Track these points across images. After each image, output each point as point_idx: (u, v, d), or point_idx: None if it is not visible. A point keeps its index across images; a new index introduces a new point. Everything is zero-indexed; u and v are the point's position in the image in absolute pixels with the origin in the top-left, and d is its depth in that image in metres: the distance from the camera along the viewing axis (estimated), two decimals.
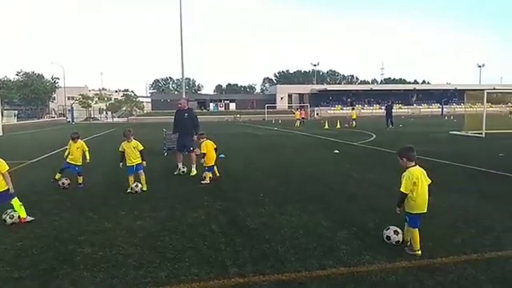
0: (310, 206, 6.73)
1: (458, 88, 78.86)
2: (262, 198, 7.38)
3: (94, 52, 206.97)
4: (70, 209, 6.71)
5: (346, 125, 33.70)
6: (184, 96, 69.79)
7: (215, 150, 9.41)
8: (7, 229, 5.55)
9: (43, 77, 75.59)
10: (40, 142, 20.88)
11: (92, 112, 71.57)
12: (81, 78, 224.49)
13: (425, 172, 4.68)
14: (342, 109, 73.58)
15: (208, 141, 9.42)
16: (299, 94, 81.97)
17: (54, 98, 79.40)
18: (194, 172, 10.09)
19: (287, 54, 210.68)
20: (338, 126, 32.55)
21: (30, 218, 5.86)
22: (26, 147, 16.25)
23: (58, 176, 8.58)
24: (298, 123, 37.46)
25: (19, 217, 5.81)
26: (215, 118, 59.16)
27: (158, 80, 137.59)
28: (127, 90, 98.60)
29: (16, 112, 61.06)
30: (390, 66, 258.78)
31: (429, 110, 77.35)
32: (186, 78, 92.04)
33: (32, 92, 70.69)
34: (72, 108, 60.71)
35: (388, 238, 4.80)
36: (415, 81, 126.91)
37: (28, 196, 7.03)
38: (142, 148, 8.16)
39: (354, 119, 34.07)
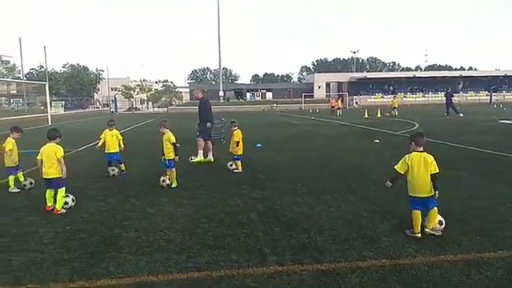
0: (350, 196, 6.61)
1: (508, 74, 74.05)
2: (300, 187, 7.34)
3: (136, 44, 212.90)
4: (115, 195, 6.98)
5: (387, 113, 32.66)
6: (221, 86, 70.45)
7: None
8: (59, 214, 5.86)
9: (88, 69, 78.78)
10: (85, 131, 21.86)
11: (134, 102, 73.94)
12: (123, 69, 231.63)
13: (429, 160, 4.68)
14: (382, 97, 71.37)
15: (239, 130, 9.29)
16: (337, 82, 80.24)
17: (99, 89, 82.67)
18: (194, 159, 10.23)
19: (325, 42, 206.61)
20: (379, 114, 31.63)
21: (64, 211, 5.97)
22: (72, 136, 17.06)
23: (110, 169, 8.75)
24: (339, 112, 36.91)
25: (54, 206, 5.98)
26: (252, 108, 59.32)
27: (195, 70, 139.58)
28: (167, 81, 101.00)
29: (63, 103, 64.31)
30: (435, 52, 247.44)
31: (476, 97, 73.32)
32: (223, 68, 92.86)
33: (78, 83, 73.93)
34: (115, 99, 63.00)
35: (440, 222, 4.79)
36: (461, 67, 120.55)
37: (74, 183, 7.40)
38: (174, 141, 7.66)
39: (395, 108, 32.95)
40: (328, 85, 79.88)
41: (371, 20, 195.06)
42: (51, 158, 6.00)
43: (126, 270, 3.90)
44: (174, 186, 7.52)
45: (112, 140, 8.88)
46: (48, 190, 6.09)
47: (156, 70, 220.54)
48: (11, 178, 7.52)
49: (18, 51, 37.91)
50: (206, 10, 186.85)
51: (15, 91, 46.53)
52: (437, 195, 4.68)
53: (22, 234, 4.99)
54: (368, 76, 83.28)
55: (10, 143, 7.59)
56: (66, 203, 6.03)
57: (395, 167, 4.86)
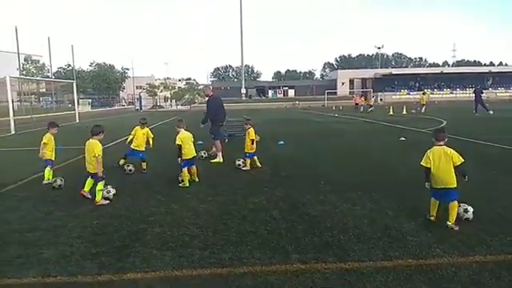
0: (374, 194, 6.50)
1: None
2: (323, 185, 7.28)
3: (160, 43, 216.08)
4: (141, 191, 7.12)
5: (414, 110, 31.92)
6: (243, 83, 70.57)
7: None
8: (87, 209, 6.03)
9: (114, 67, 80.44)
10: (111, 128, 22.38)
11: (158, 100, 75.09)
12: (148, 67, 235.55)
13: (449, 152, 4.92)
14: (408, 94, 69.84)
15: (252, 128, 9.26)
16: (361, 78, 79.12)
17: (124, 88, 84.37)
18: (213, 160, 10.10)
19: (349, 38, 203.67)
20: (405, 111, 30.96)
21: (104, 202, 6.26)
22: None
23: (121, 162, 9.03)
24: (370, 109, 36.69)
25: (95, 198, 6.28)
26: (274, 105, 59.23)
27: (218, 68, 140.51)
28: (190, 79, 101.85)
29: (90, 101, 65.98)
30: (463, 47, 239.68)
31: (506, 94, 70.74)
32: (245, 66, 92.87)
33: (104, 82, 75.63)
34: (140, 97, 64.17)
35: (466, 210, 5.01)
36: (491, 63, 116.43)
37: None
38: (180, 143, 7.53)
39: (423, 105, 32.18)
40: (352, 81, 78.87)
41: (397, 14, 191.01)
42: (90, 154, 6.30)
43: (151, 265, 3.97)
44: (186, 184, 7.36)
45: (142, 138, 9.04)
46: (90, 178, 6.45)
47: (179, 68, 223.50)
48: (47, 170, 7.76)
49: (46, 50, 39.16)
50: (229, 8, 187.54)
51: (44, 89, 48.04)
52: (466, 179, 4.99)
53: (51, 228, 5.15)
54: (393, 72, 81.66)
55: (46, 137, 7.87)
56: (108, 192, 6.36)
57: (421, 163, 5.13)
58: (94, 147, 6.27)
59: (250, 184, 7.53)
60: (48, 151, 7.85)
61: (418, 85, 74.45)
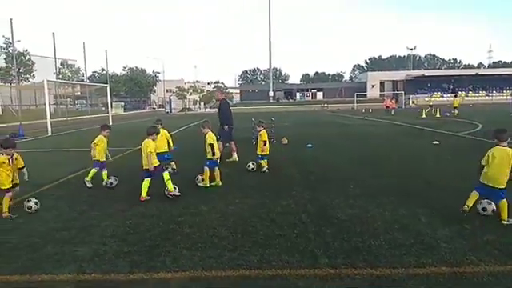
0: (406, 199, 6.33)
1: None
2: (353, 189, 7.16)
3: (189, 47, 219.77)
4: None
5: (447, 113, 30.92)
6: (271, 86, 70.58)
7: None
8: (119, 209, 6.20)
9: (145, 71, 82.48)
10: (142, 130, 22.99)
11: (187, 103, 76.37)
12: (177, 71, 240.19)
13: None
14: (441, 96, 67.67)
15: (264, 130, 9.22)
16: (392, 81, 77.34)
17: (155, 91, 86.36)
18: (230, 159, 10.18)
19: (380, 39, 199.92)
20: (438, 114, 30.04)
21: (177, 193, 6.66)
22: (131, 135, 17.98)
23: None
24: (392, 111, 36.11)
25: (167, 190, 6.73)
26: (302, 108, 58.89)
27: (246, 71, 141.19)
28: (218, 82, 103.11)
29: (123, 103, 67.89)
30: (500, 49, 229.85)
31: None
32: (273, 68, 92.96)
33: (136, 85, 77.67)
34: (170, 99, 65.46)
35: (484, 209, 5.23)
36: None
37: (133, 180, 7.76)
38: (211, 142, 7.65)
39: (455, 107, 31.13)
40: (382, 83, 77.24)
41: (430, 15, 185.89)
42: (144, 151, 6.78)
43: (181, 265, 4.03)
44: (206, 185, 7.48)
45: (160, 140, 8.95)
46: (145, 180, 6.74)
47: (208, 72, 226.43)
48: (93, 171, 7.86)
49: (81, 55, 40.70)
50: (258, 10, 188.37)
51: (79, 93, 49.87)
52: None
53: (85, 227, 5.33)
54: (426, 74, 79.44)
55: (97, 139, 7.96)
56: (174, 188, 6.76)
57: (481, 162, 5.33)
58: (148, 145, 6.76)
59: (278, 187, 7.51)
60: (98, 152, 7.98)
61: (451, 87, 72.02)
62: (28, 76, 42.14)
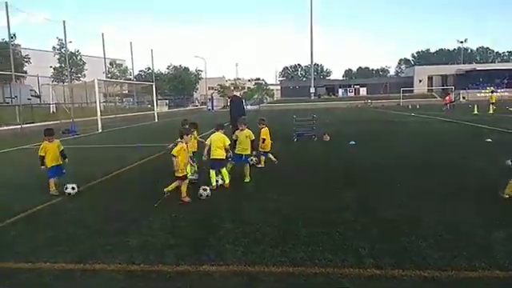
0: (457, 199, 6.05)
1: None
2: (399, 188, 6.94)
3: (231, 44, 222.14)
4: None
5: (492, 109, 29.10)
6: (312, 82, 69.80)
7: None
8: (166, 202, 6.41)
9: (189, 69, 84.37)
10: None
11: (228, 100, 77.27)
12: (219, 69, 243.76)
13: None
14: (493, 91, 63.71)
15: (266, 128, 9.44)
16: (441, 75, 73.89)
17: (197, 89, 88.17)
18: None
19: (427, 32, 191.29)
20: (491, 111, 28.36)
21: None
22: (175, 132, 18.54)
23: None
24: (446, 107, 34.70)
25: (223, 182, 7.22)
26: (344, 104, 57.78)
27: (286, 67, 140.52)
28: (258, 79, 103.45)
29: (167, 101, 69.91)
30: None
31: None
32: (314, 64, 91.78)
33: (180, 83, 79.65)
34: (212, 97, 66.61)
35: None
36: None
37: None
38: (253, 139, 7.85)
39: (492, 103, 29.49)
40: (430, 78, 74.00)
41: (482, 5, 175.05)
42: (220, 143, 7.15)
43: (224, 259, 4.10)
44: (247, 180, 7.62)
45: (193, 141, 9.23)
46: (212, 171, 7.20)
47: (249, 69, 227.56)
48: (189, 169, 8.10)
49: (129, 55, 42.45)
50: (299, 5, 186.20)
51: (127, 91, 51.99)
52: None
53: (135, 219, 5.56)
54: (478, 68, 75.08)
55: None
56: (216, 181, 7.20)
57: None
58: (225, 140, 7.21)
59: (319, 184, 7.43)
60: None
61: (506, 81, 67.60)
62: (79, 75, 44.51)
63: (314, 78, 76.40)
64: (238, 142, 7.80)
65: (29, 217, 5.79)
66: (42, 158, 6.93)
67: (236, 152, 7.75)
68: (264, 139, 9.19)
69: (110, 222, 5.45)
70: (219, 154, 7.20)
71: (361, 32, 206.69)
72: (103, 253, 4.35)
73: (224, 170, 7.30)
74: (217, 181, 7.24)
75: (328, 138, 14.25)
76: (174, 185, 6.49)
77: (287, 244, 4.48)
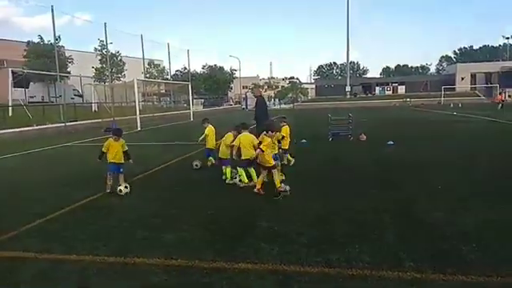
0: (503, 203, 5.75)
1: None
2: (440, 190, 6.69)
3: (265, 44, 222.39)
4: (251, 186, 7.44)
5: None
6: (348, 81, 68.62)
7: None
8: (203, 199, 6.53)
9: (224, 69, 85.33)
10: (220, 126, 23.87)
11: (255, 100, 77.39)
12: (253, 68, 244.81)
13: None
14: None
15: (287, 126, 9.42)
16: (485, 73, 70.34)
17: (232, 88, 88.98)
18: None
19: (470, 28, 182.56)
20: None
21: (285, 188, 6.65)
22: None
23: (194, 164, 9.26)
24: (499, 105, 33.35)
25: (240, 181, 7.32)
26: (382, 103, 56.34)
27: (321, 66, 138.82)
28: (293, 78, 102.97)
29: (202, 100, 71.05)
30: None
31: None
32: (350, 62, 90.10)
33: (214, 83, 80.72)
34: (246, 96, 66.96)
35: None
36: None
37: (215, 173, 8.09)
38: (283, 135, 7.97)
39: (500, 102, 27.92)
40: (473, 76, 70.64)
41: None
42: (248, 144, 7.16)
43: (260, 257, 4.12)
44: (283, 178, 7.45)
45: (212, 136, 9.28)
46: (240, 168, 7.35)
47: (283, 68, 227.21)
48: (228, 170, 7.88)
49: (166, 55, 43.42)
50: (334, 2, 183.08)
51: (164, 91, 53.27)
52: None
53: (172, 215, 5.70)
54: None
55: (229, 137, 8.10)
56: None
57: None
58: (253, 140, 7.25)
59: (356, 185, 7.29)
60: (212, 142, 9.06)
61: None
62: (119, 75, 46.05)
63: (350, 77, 74.96)
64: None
65: (73, 211, 6.07)
66: (104, 153, 7.20)
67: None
68: (283, 136, 9.19)
69: (149, 218, 5.61)
70: (251, 154, 7.22)
71: (400, 28, 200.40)
72: (142, 247, 4.49)
73: (252, 170, 7.36)
74: (234, 178, 7.46)
75: (365, 137, 13.95)
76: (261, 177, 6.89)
77: (323, 244, 4.43)
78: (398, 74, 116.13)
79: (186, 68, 70.15)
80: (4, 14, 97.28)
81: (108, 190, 6.97)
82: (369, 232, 4.80)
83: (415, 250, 4.22)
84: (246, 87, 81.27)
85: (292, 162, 9.26)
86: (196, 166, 9.13)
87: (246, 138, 7.32)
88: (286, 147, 9.32)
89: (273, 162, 6.83)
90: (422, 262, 3.90)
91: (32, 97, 37.58)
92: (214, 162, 9.09)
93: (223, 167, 7.88)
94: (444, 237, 4.55)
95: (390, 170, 8.60)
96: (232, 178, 7.69)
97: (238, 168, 7.43)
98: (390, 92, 75.10)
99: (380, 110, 40.36)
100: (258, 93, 11.99)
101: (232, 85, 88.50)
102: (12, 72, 27.72)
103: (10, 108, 24.94)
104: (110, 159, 7.15)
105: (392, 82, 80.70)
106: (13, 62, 38.88)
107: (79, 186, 7.70)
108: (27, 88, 36.78)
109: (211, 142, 9.28)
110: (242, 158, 7.28)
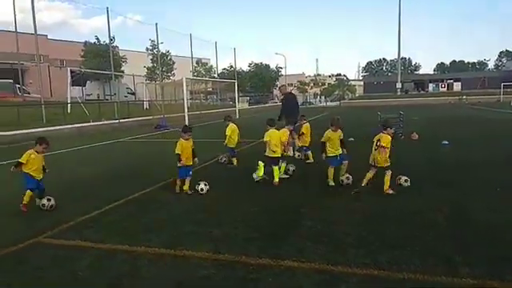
0: None
1: None
2: (499, 192, 6.26)
3: (311, 40, 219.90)
4: (292, 183, 7.41)
5: None
6: (399, 77, 66.20)
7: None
8: (247, 196, 6.59)
9: (269, 66, 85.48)
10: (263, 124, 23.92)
11: (307, 97, 76.75)
12: (299, 65, 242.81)
13: None
14: None
15: (307, 124, 9.81)
16: None
17: (277, 85, 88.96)
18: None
19: None
20: None
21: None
22: (255, 128, 18.90)
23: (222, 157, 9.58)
24: None
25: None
26: (435, 100, 53.70)
27: (370, 62, 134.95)
28: (339, 75, 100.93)
29: (248, 98, 71.68)
30: None
31: None
32: (402, 58, 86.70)
33: (260, 80, 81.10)
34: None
35: None
36: None
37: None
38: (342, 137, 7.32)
39: None
40: None
41: None
42: (277, 140, 7.34)
43: (305, 256, 4.08)
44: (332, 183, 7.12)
45: (234, 135, 9.37)
46: (261, 163, 7.41)
47: (330, 65, 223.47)
48: (276, 168, 7.91)
49: (213, 53, 44.42)
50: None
51: (210, 89, 54.36)
52: None
53: (218, 211, 5.80)
54: None
55: (284, 133, 8.14)
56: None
57: None
58: (282, 135, 7.45)
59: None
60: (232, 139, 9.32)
61: None
62: (169, 74, 47.59)
63: (401, 73, 72.20)
64: (329, 144, 7.12)
65: (126, 203, 6.37)
66: (179, 155, 6.77)
67: (328, 155, 7.14)
68: (303, 133, 9.57)
69: (197, 212, 5.75)
70: (277, 152, 7.32)
71: (455, 22, 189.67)
72: (191, 240, 4.61)
73: (276, 168, 7.30)
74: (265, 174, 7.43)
75: (417, 136, 13.38)
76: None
77: (371, 245, 4.31)
78: (453, 70, 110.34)
79: (232, 66, 71.04)
80: (64, 16, 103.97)
81: (178, 191, 6.79)
82: (421, 233, 4.61)
83: (471, 253, 3.99)
84: (292, 84, 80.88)
85: (310, 160, 9.39)
86: (223, 160, 9.53)
87: (274, 136, 7.38)
88: (307, 144, 9.64)
89: (388, 162, 6.53)
90: (479, 267, 3.68)
91: (88, 95, 39.88)
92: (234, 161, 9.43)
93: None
94: (501, 240, 4.29)
95: (444, 170, 8.19)
96: (285, 172, 7.81)
97: (261, 162, 7.42)
98: (445, 89, 71.56)
99: (433, 107, 38.47)
100: (284, 91, 12.48)
101: (277, 82, 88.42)
102: (70, 71, 29.51)
103: (69, 105, 26.57)
104: (186, 162, 6.77)
105: (447, 79, 76.77)
106: (71, 62, 41.43)
107: (132, 180, 8.07)
108: (84, 86, 39.11)
109: (232, 141, 9.40)
110: (267, 154, 7.36)
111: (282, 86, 14.57)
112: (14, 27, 27.28)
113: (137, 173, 8.83)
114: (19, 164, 6.02)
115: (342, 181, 7.02)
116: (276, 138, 7.36)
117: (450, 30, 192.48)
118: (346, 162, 7.25)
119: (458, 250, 4.11)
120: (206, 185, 6.80)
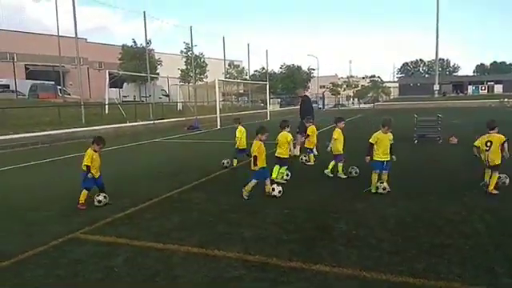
0: None
1: None
2: None
3: (344, 42, 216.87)
4: (327, 187, 7.31)
5: None
6: (437, 79, 64.14)
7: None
8: (278, 199, 6.54)
9: (301, 68, 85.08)
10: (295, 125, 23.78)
11: (340, 99, 75.67)
12: (332, 67, 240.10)
13: None
14: None
15: (313, 126, 10.12)
16: None
17: (309, 87, 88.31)
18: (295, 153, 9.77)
19: None
20: None
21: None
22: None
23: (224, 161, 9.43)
24: None
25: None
26: (474, 103, 51.46)
27: (406, 63, 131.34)
28: (374, 76, 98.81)
29: (279, 100, 71.56)
30: None
31: None
32: (440, 59, 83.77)
33: (292, 82, 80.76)
34: (323, 96, 65.93)
35: None
36: None
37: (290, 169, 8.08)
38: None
39: None
40: None
41: None
42: (284, 141, 7.58)
43: (338, 260, 4.01)
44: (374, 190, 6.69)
45: (243, 137, 9.49)
46: (277, 167, 7.65)
47: (364, 66, 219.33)
48: (340, 166, 7.97)
49: (246, 56, 44.67)
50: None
51: (242, 90, 54.67)
52: None
53: (250, 212, 5.81)
54: None
55: (337, 133, 8.21)
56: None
57: None
58: (287, 136, 7.65)
59: (445, 190, 6.76)
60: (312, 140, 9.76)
61: None
62: (202, 76, 48.31)
63: (439, 74, 69.79)
64: (376, 147, 6.70)
65: (161, 202, 6.51)
66: (255, 158, 6.47)
67: (375, 159, 6.74)
68: (308, 135, 9.78)
69: (229, 213, 5.79)
70: (281, 152, 7.64)
71: (496, 22, 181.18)
72: (222, 241, 4.65)
73: (277, 167, 7.63)
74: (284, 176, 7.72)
75: (456, 140, 12.87)
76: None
77: (407, 252, 4.18)
78: (493, 71, 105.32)
79: (264, 68, 71.24)
80: (103, 20, 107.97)
81: (246, 198, 6.47)
82: (460, 241, 4.42)
83: None
84: (324, 86, 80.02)
85: (312, 162, 9.57)
86: (226, 163, 9.41)
87: (281, 136, 7.63)
88: (311, 146, 9.78)
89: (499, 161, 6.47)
90: None
91: (125, 96, 41.19)
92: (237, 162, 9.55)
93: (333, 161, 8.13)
94: None
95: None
96: (343, 172, 7.93)
97: (277, 166, 7.68)
98: (485, 91, 68.57)
99: (473, 111, 36.89)
100: (301, 93, 13.36)
101: (309, 84, 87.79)
102: (108, 73, 30.56)
103: (107, 106, 27.52)
104: (261, 164, 6.51)
105: (487, 81, 73.52)
106: (109, 65, 42.88)
107: (166, 179, 8.25)
108: (121, 88, 40.39)
109: (241, 143, 9.58)
110: (282, 156, 7.62)
111: (299, 89, 15.87)
112: (57, 31, 28.58)
113: (170, 172, 9.02)
114: (88, 168, 6.20)
115: (378, 187, 6.60)
116: (282, 139, 7.65)
117: (491, 30, 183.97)
118: (387, 172, 6.76)
119: (500, 260, 3.92)
120: (278, 185, 6.65)
